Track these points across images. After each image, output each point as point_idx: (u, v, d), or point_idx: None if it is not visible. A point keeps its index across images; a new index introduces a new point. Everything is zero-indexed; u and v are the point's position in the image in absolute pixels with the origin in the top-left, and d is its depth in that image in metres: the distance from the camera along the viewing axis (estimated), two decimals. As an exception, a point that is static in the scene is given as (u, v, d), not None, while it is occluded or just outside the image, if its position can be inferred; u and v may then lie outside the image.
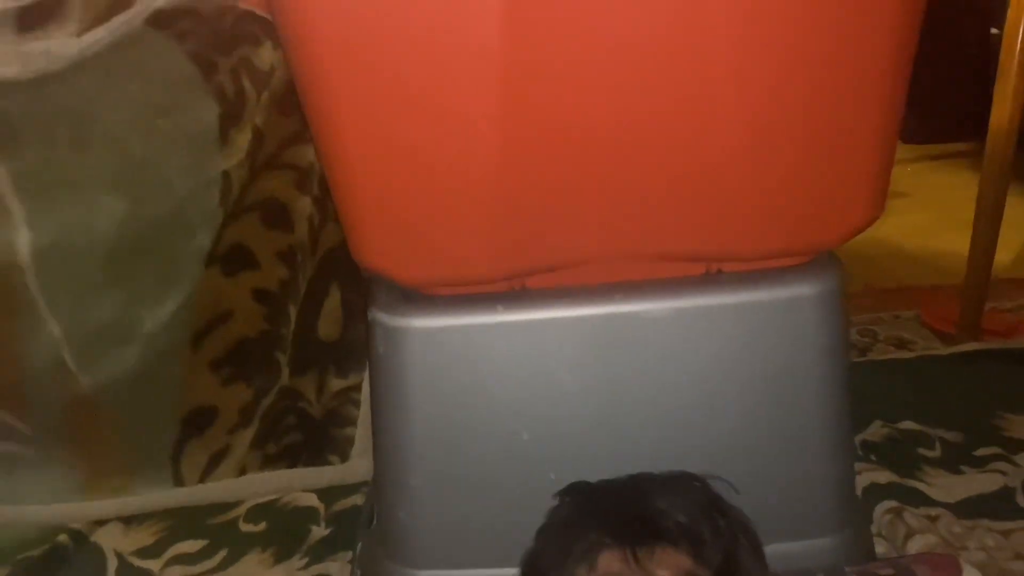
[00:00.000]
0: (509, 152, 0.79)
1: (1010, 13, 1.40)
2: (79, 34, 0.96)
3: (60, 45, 0.95)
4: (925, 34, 0.82)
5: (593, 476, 0.83)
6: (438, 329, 0.87)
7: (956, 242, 1.64)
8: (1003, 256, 1.65)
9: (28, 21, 0.97)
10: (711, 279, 0.90)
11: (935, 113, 2.64)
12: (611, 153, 0.81)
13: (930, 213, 2.25)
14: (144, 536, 1.22)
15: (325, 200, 1.18)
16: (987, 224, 1.51)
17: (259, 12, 1.08)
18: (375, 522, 1.02)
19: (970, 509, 1.15)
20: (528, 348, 0.88)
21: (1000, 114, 1.44)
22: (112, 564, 1.18)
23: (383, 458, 0.95)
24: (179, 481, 1.26)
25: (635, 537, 0.71)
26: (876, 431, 1.33)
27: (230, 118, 1.09)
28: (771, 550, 0.90)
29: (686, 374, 0.89)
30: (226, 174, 1.12)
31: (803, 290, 0.88)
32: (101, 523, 1.24)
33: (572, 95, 0.78)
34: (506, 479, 0.90)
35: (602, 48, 0.76)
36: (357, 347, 1.26)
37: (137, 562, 1.18)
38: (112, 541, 1.21)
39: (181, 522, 1.24)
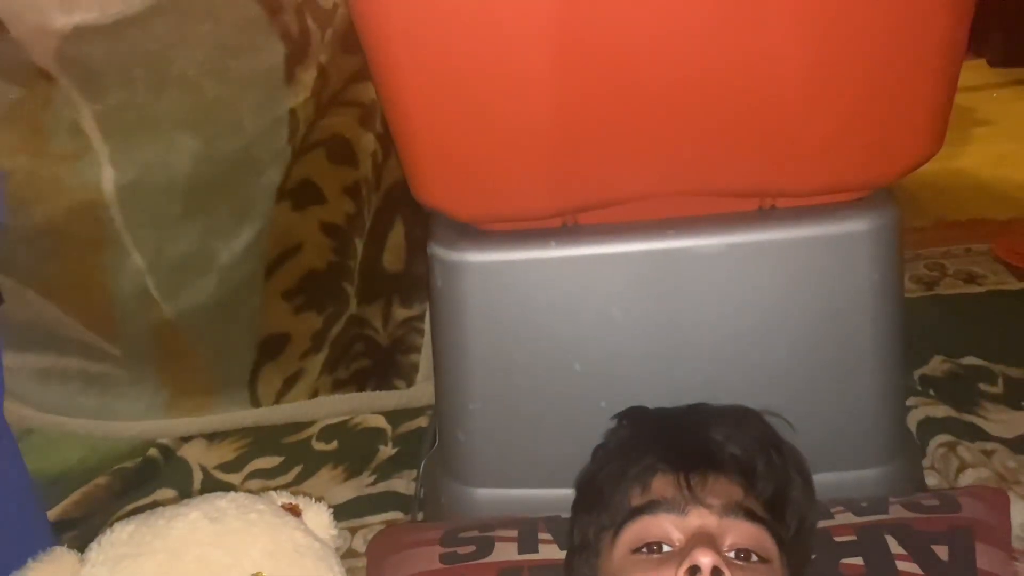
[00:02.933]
0: (563, 90, 0.80)
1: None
2: (153, -22, 1.01)
3: (135, -10, 1.00)
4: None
5: (645, 401, 0.86)
6: (493, 263, 0.91)
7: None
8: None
9: (105, -33, 1.01)
10: (765, 215, 0.90)
11: (1023, 34, 2.49)
12: (666, 89, 0.81)
13: (1015, 143, 2.15)
14: (226, 452, 1.31)
15: (387, 136, 1.21)
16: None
17: (321, -49, 1.09)
18: (437, 443, 1.07)
19: (1027, 446, 1.15)
20: (580, 282, 0.90)
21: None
22: (198, 476, 1.27)
23: (443, 384, 1.00)
24: (256, 402, 1.34)
25: (689, 464, 0.71)
26: (936, 366, 1.32)
27: (295, 57, 1.12)
28: (821, 479, 0.93)
29: (738, 309, 0.90)
30: (293, 112, 1.15)
31: (857, 226, 0.88)
32: (187, 439, 1.33)
33: (627, 31, 0.78)
34: (559, 406, 0.94)
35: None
36: (420, 278, 1.30)
37: (220, 475, 1.27)
38: (197, 456, 1.31)
39: (259, 440, 1.33)
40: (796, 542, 0.74)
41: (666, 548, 0.68)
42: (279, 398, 1.34)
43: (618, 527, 0.71)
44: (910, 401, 1.20)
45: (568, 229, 0.91)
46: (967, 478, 1.08)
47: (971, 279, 1.58)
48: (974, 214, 1.80)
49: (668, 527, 0.68)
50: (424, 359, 1.35)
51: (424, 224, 1.00)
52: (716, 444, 0.75)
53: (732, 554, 0.67)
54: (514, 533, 0.88)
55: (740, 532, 0.68)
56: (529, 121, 0.83)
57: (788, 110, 0.82)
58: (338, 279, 1.30)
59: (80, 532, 1.14)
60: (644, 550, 0.68)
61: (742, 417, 0.81)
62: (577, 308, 0.91)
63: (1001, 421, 1.20)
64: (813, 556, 0.80)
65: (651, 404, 0.86)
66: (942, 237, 1.71)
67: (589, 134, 0.83)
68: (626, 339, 0.91)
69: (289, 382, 1.34)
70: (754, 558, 0.67)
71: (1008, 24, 2.19)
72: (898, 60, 0.80)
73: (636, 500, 0.72)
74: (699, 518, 0.68)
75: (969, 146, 2.13)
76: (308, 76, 1.14)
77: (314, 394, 1.35)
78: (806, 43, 0.78)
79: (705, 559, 0.62)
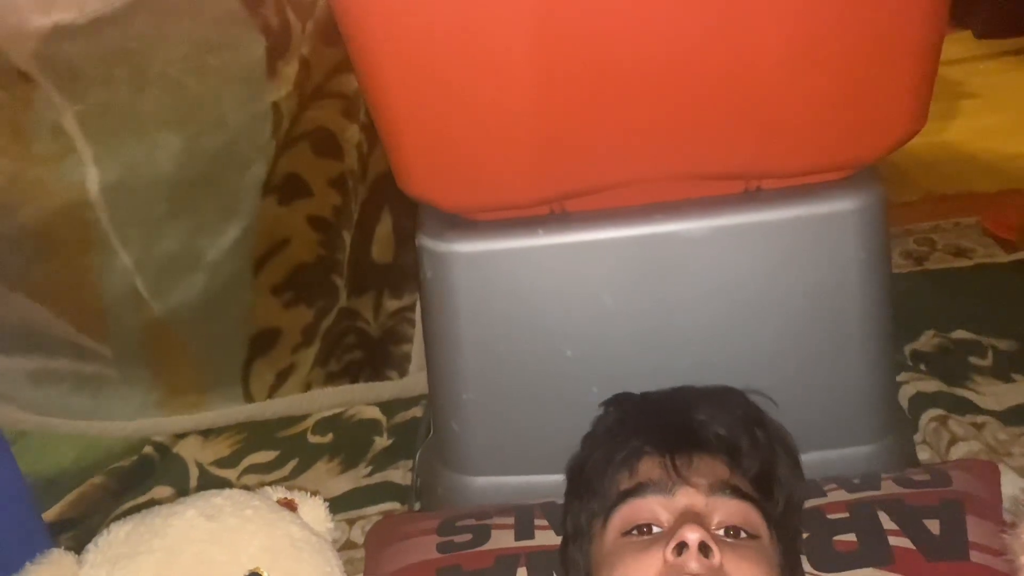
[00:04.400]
0: (547, 77, 0.80)
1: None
2: (130, -24, 1.00)
3: (112, -12, 0.99)
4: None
5: (635, 391, 0.86)
6: (482, 253, 0.91)
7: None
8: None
9: (82, -35, 1.01)
10: (751, 196, 0.90)
11: (1010, 5, 2.48)
12: (648, 73, 0.81)
13: (1002, 115, 2.15)
14: (221, 448, 1.32)
15: (372, 127, 1.21)
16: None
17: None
18: (432, 433, 1.08)
19: (1019, 416, 1.16)
20: (570, 269, 0.91)
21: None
22: (194, 473, 1.27)
23: (436, 375, 1.00)
24: (249, 397, 1.34)
25: (675, 445, 0.72)
26: (927, 340, 1.33)
27: (277, 51, 1.12)
28: (814, 457, 0.94)
29: (727, 291, 0.90)
30: (275, 106, 1.15)
31: (843, 205, 0.88)
32: (181, 436, 1.33)
33: (607, 16, 0.78)
34: (552, 393, 0.94)
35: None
36: (409, 269, 1.31)
37: (216, 471, 1.27)
38: (192, 452, 1.31)
39: (254, 435, 1.33)
40: (785, 517, 0.74)
41: (656, 529, 0.69)
42: (272, 393, 1.34)
43: (608, 512, 0.72)
44: (901, 376, 1.21)
45: (555, 216, 0.91)
46: (958, 451, 1.09)
47: (960, 253, 1.58)
48: (962, 187, 1.81)
49: (656, 508, 0.69)
50: (416, 349, 1.35)
51: (411, 215, 1.00)
52: (700, 424, 0.76)
53: (721, 532, 0.68)
54: (510, 520, 0.89)
55: (728, 509, 0.69)
56: (513, 109, 0.83)
57: (770, 90, 0.82)
58: (327, 272, 1.30)
59: (78, 533, 1.14)
60: (634, 532, 0.69)
61: (725, 396, 0.81)
62: (567, 295, 0.91)
63: (992, 394, 1.21)
64: (806, 534, 0.81)
65: (643, 388, 0.86)
66: (931, 211, 1.72)
67: (573, 121, 0.83)
68: (616, 324, 0.91)
69: (282, 376, 1.34)
70: (743, 535, 0.68)
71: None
72: (879, 37, 0.80)
73: (624, 484, 0.72)
74: (686, 497, 0.69)
75: (956, 119, 2.13)
76: (290, 69, 1.14)
77: (307, 388, 1.35)
78: (786, 22, 0.78)
79: (693, 535, 0.63)
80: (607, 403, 0.86)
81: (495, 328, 0.93)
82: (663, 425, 0.76)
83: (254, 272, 1.26)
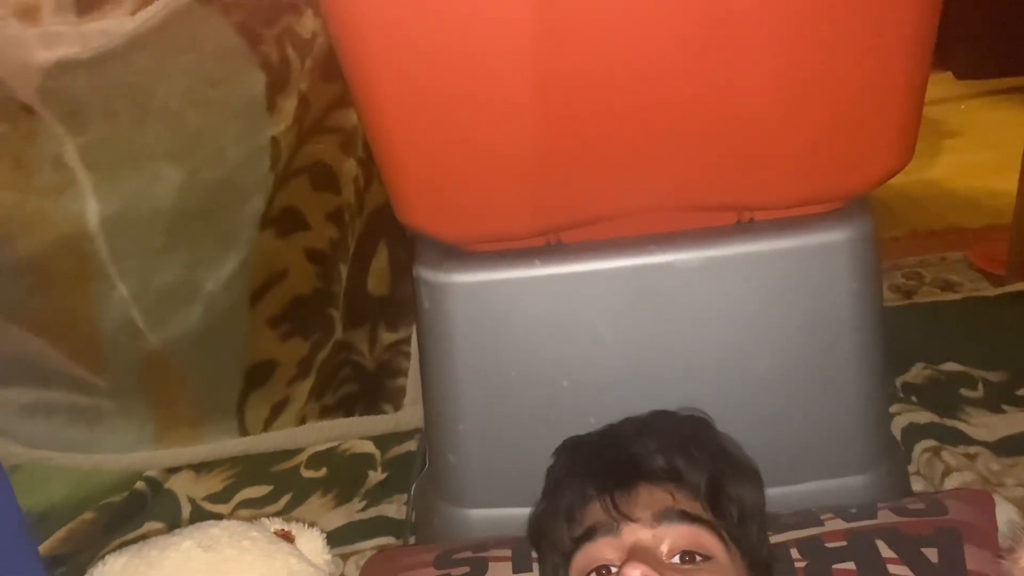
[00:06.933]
0: (543, 111, 0.81)
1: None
2: (133, 12, 1.02)
3: (116, 24, 1.01)
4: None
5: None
6: (479, 284, 0.91)
7: (1010, 181, 1.62)
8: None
9: (87, 2, 1.02)
10: (744, 228, 0.92)
11: (989, 47, 2.54)
12: (642, 108, 0.82)
13: (984, 152, 2.20)
14: (214, 483, 1.31)
15: (369, 162, 1.23)
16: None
17: (299, -19, 1.11)
18: (427, 466, 1.07)
19: (1010, 447, 1.16)
20: (565, 300, 0.91)
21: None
22: (186, 509, 1.26)
23: (432, 406, 1.00)
24: (244, 431, 1.34)
25: (613, 484, 0.73)
26: (918, 372, 1.34)
27: (277, 86, 1.14)
28: (810, 487, 0.95)
29: (721, 321, 0.91)
30: (275, 140, 1.16)
31: (833, 236, 0.89)
32: (174, 471, 1.32)
33: (603, 51, 0.79)
34: (548, 423, 0.94)
35: (631, 3, 0.78)
36: (405, 302, 1.31)
37: (208, 507, 1.26)
38: (185, 487, 1.30)
39: (247, 469, 1.32)
40: (742, 530, 0.74)
41: (613, 570, 0.69)
42: (267, 426, 1.34)
43: (566, 562, 0.73)
44: (893, 408, 1.21)
45: (552, 247, 0.92)
46: (952, 482, 1.10)
47: (948, 287, 1.60)
48: (948, 223, 1.84)
49: (607, 550, 0.70)
50: (411, 382, 1.35)
51: (407, 248, 1.01)
52: (636, 457, 0.76)
53: (676, 559, 0.68)
54: (508, 552, 0.88)
55: (677, 536, 0.69)
56: (510, 142, 0.84)
57: (762, 125, 0.83)
58: (323, 305, 1.30)
59: (68, 569, 1.13)
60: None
61: (658, 422, 0.82)
62: (563, 325, 0.92)
63: (982, 425, 1.21)
64: (804, 562, 0.81)
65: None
66: (918, 246, 1.74)
67: (569, 153, 0.85)
68: (612, 354, 0.92)
69: (276, 409, 1.34)
70: (697, 558, 0.69)
71: (972, 36, 2.24)
72: (867, 75, 0.82)
73: (576, 531, 0.73)
74: (631, 533, 0.70)
75: (939, 157, 2.17)
76: (289, 104, 1.16)
77: (302, 421, 1.35)
78: (778, 60, 0.80)
79: (634, 572, 0.64)
80: (556, 452, 0.86)
81: (492, 358, 0.94)
82: (601, 465, 0.77)
83: (251, 304, 1.26)
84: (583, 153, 0.84)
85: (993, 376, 1.31)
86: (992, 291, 1.57)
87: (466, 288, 0.92)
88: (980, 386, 1.30)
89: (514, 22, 0.78)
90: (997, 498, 0.93)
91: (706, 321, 0.91)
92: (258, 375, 1.31)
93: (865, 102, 0.83)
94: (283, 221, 1.23)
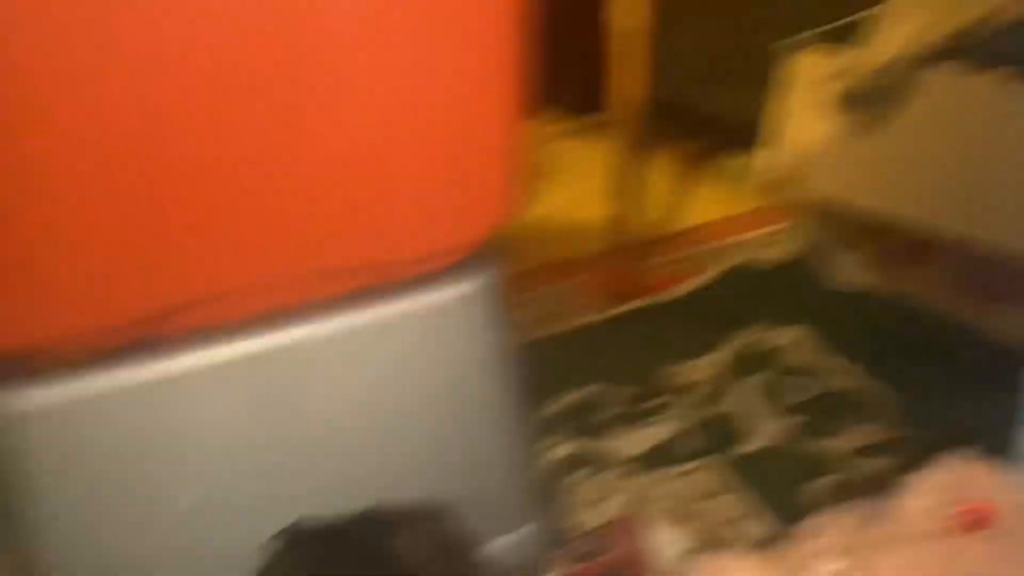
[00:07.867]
0: (84, 174, 0.69)
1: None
2: None
3: None
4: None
5: (278, 524, 0.78)
6: (51, 407, 0.73)
7: (603, 210, 1.75)
8: (650, 216, 1.79)
9: None
10: (361, 295, 0.84)
11: (557, 89, 2.74)
12: (220, 181, 0.73)
13: (586, 183, 2.38)
14: None
15: None
16: (626, 189, 1.66)
17: None
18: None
19: (656, 458, 1.23)
20: (173, 406, 0.77)
21: (620, 85, 1.57)
22: None
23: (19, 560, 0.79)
24: None
25: None
26: (564, 401, 1.37)
27: None
28: (488, 549, 0.89)
29: (357, 397, 0.84)
30: None
31: (454, 292, 0.86)
32: None
33: (156, 114, 0.69)
34: (173, 553, 0.79)
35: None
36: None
37: None
38: None
39: None
40: None
41: None
42: None
43: None
44: (548, 441, 1.22)
45: (145, 343, 0.76)
46: (612, 505, 1.13)
47: (577, 312, 1.68)
48: (565, 253, 1.93)
49: None
50: None
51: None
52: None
53: None
54: None
55: None
56: (61, 225, 0.69)
57: (358, 187, 0.78)
58: None
59: None
60: None
61: (346, 529, 0.79)
62: (172, 439, 0.77)
63: (630, 440, 1.27)
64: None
65: (281, 521, 0.79)
66: (544, 279, 1.80)
67: (130, 224, 0.72)
68: (238, 459, 0.80)
69: None
70: None
71: (573, 76, 2.42)
72: (461, 129, 0.80)
73: None
74: None
75: (547, 194, 2.31)
76: None
77: None
78: (356, 123, 0.75)
79: None
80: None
81: (87, 493, 0.76)
82: None
83: None
84: (148, 222, 0.72)
85: (631, 390, 1.38)
86: (618, 309, 1.67)
87: (40, 414, 0.73)
88: (621, 402, 1.36)
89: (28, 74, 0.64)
90: (653, 520, 0.96)
91: (339, 401, 0.83)
92: None
93: (461, 155, 0.81)
94: None
